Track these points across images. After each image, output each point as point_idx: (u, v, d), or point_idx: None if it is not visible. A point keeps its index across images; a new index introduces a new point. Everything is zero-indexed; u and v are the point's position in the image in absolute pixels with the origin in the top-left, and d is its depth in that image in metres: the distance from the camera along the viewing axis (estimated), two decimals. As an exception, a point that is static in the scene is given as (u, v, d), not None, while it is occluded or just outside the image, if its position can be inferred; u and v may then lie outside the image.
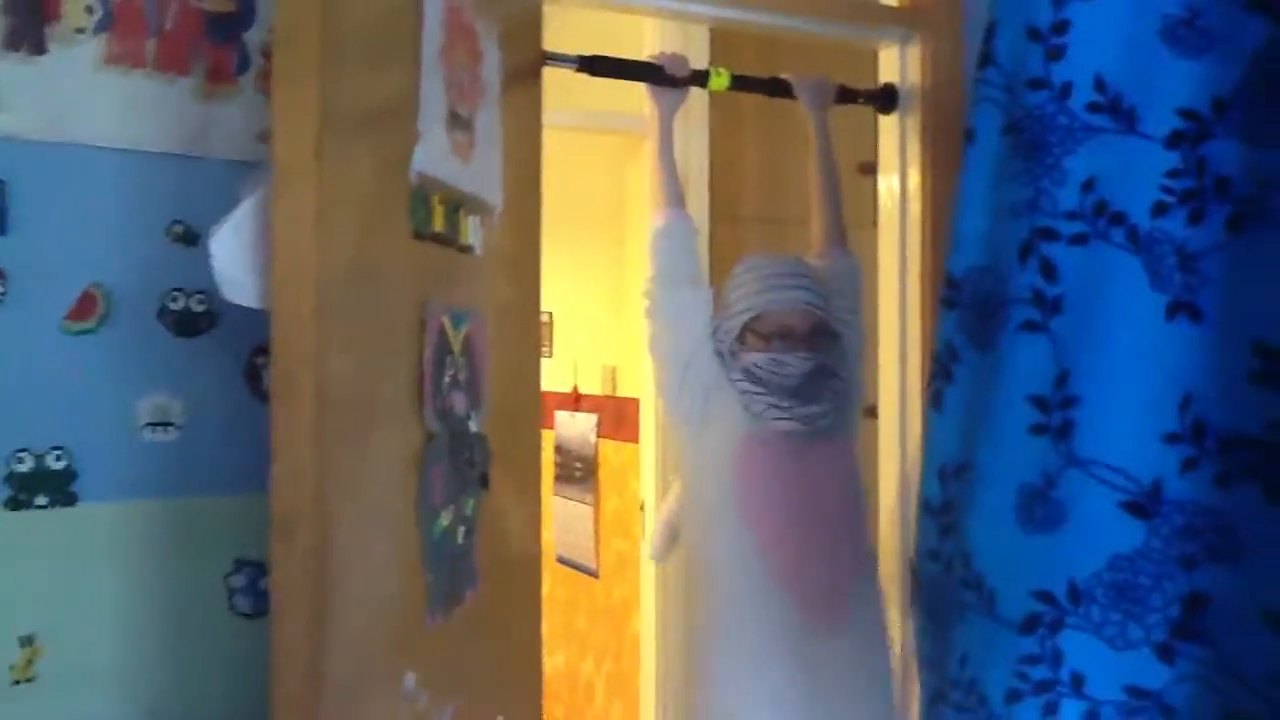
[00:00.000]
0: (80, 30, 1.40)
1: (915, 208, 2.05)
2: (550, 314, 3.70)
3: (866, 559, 1.90)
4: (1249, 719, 0.96)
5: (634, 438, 3.15)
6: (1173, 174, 1.01)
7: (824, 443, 1.85)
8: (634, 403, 3.09)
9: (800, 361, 1.80)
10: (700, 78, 1.99)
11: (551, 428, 3.63)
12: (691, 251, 1.88)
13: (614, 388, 3.40)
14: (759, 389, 1.80)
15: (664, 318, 1.85)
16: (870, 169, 2.21)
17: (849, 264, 2.01)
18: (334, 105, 1.12)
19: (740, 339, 1.83)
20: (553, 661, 3.70)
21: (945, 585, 1.13)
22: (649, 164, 1.92)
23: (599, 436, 3.45)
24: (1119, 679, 1.01)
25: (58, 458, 1.46)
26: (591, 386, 3.53)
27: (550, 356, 3.68)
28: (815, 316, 1.83)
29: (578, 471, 3.53)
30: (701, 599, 1.87)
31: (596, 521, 3.46)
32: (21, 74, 1.39)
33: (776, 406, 1.80)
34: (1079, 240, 1.04)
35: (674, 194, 1.90)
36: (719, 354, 1.84)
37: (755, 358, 1.81)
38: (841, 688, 1.77)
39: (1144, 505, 1.00)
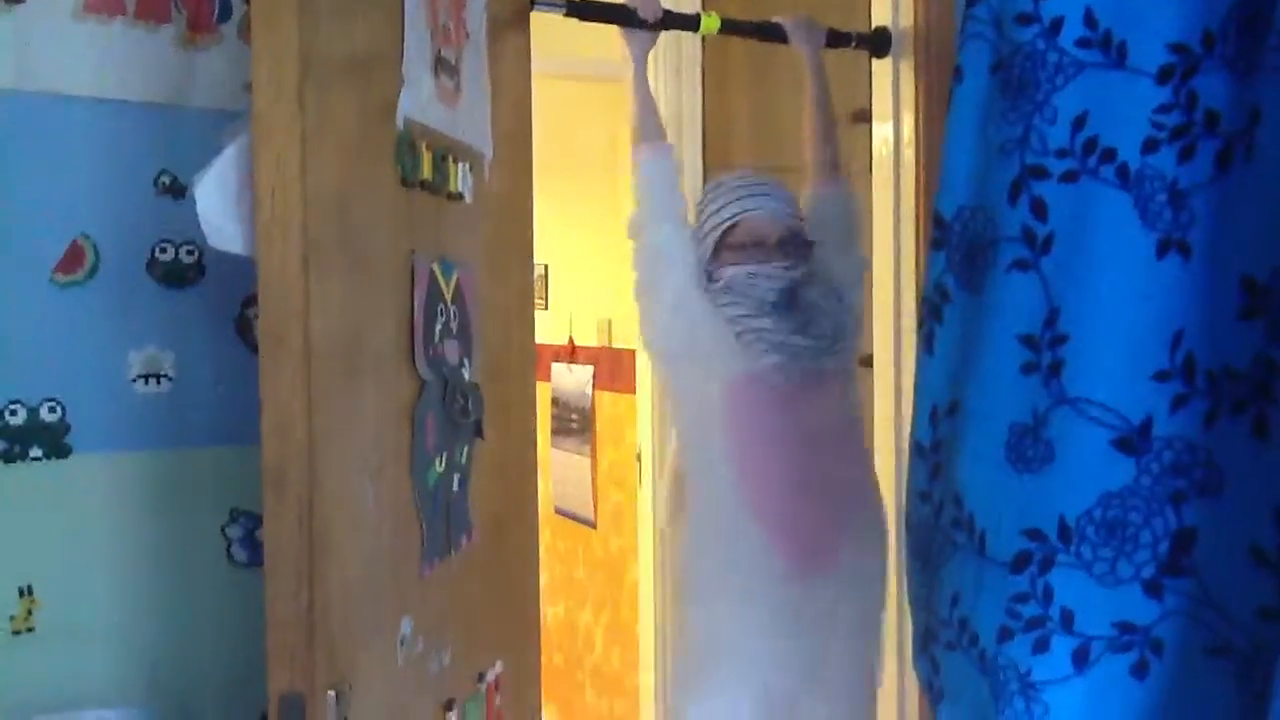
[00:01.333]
0: (58, -22, 1.39)
1: (909, 153, 2.03)
2: (545, 266, 3.69)
3: (864, 506, 1.87)
4: (1232, 653, 0.96)
5: (630, 389, 3.16)
6: (1163, 109, 1.00)
7: (816, 385, 1.80)
8: (630, 354, 3.09)
9: (777, 272, 1.78)
10: (691, 21, 1.98)
11: (548, 380, 3.64)
12: (675, 186, 1.85)
13: (610, 339, 3.40)
14: (743, 309, 1.76)
15: (652, 257, 1.81)
16: (864, 117, 2.19)
17: (840, 190, 1.98)
18: (315, 51, 1.11)
19: (716, 255, 1.80)
20: (553, 611, 3.73)
21: (935, 526, 1.14)
22: (628, 101, 1.90)
23: (595, 388, 3.46)
24: (1108, 615, 1.02)
25: (51, 410, 1.46)
26: (587, 338, 3.53)
27: (546, 309, 3.68)
28: (785, 224, 1.80)
29: (574, 423, 3.54)
30: (691, 538, 1.86)
31: (594, 473, 3.47)
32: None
33: (761, 331, 1.75)
34: (1069, 178, 1.03)
35: (654, 126, 1.88)
36: (703, 286, 1.80)
37: (732, 272, 1.78)
38: (825, 633, 1.77)
39: (1134, 442, 1.00)
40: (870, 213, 2.13)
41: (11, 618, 1.43)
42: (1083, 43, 1.04)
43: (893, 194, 2.09)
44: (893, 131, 2.08)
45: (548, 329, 3.59)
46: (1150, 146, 1.01)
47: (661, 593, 3.02)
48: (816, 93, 2.04)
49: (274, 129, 1.07)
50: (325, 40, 1.14)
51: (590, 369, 3.48)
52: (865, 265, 1.97)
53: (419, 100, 1.34)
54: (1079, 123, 1.03)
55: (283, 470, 1.09)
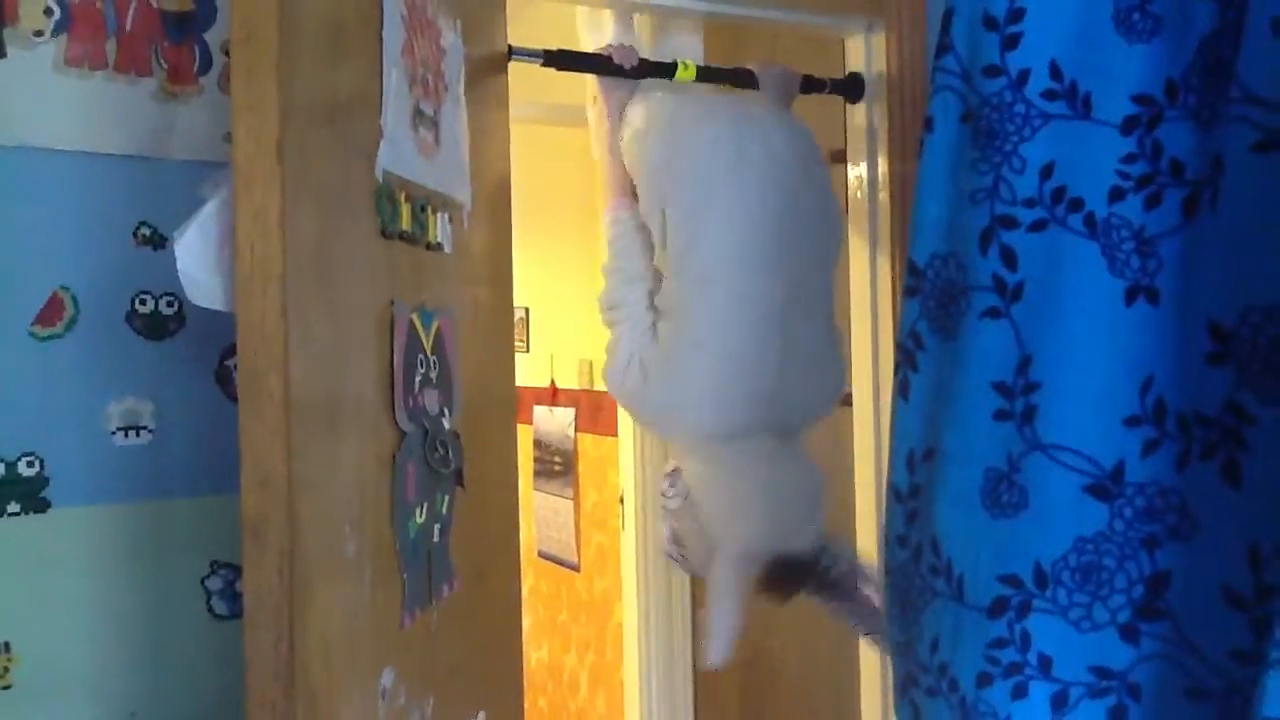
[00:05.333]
0: (39, 33, 1.40)
1: (884, 196, 2.06)
2: (526, 309, 3.70)
3: None
4: (1209, 695, 0.97)
5: (612, 431, 3.16)
6: (1129, 159, 1.02)
7: None
8: (611, 396, 3.10)
9: None
10: (667, 69, 2.00)
11: (530, 423, 3.63)
12: (640, 247, 1.93)
13: (591, 381, 3.40)
14: None
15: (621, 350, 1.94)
16: (840, 157, 2.22)
17: None
18: (295, 102, 1.12)
19: None
20: (537, 655, 3.71)
21: (914, 571, 1.14)
22: (597, 156, 1.96)
23: (577, 430, 3.46)
24: (1085, 660, 1.02)
25: (29, 464, 1.45)
26: (569, 381, 3.53)
27: (527, 351, 3.68)
28: None
29: (557, 466, 3.54)
30: None
31: (577, 515, 3.46)
32: (-19, 79, 1.38)
33: None
34: (1038, 227, 1.05)
35: (627, 182, 1.94)
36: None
37: None
38: None
39: (1107, 488, 1.01)
40: (847, 254, 2.16)
41: (-13, 674, 1.41)
42: (1049, 94, 1.06)
43: (869, 236, 2.11)
44: (867, 174, 2.11)
45: (529, 371, 3.59)
46: (1116, 195, 1.03)
47: (646, 635, 3.00)
48: None
49: (254, 181, 1.08)
50: (305, 92, 1.15)
51: (572, 411, 3.48)
52: None
53: (398, 153, 1.35)
54: (1046, 172, 1.05)
55: (263, 519, 1.09)
